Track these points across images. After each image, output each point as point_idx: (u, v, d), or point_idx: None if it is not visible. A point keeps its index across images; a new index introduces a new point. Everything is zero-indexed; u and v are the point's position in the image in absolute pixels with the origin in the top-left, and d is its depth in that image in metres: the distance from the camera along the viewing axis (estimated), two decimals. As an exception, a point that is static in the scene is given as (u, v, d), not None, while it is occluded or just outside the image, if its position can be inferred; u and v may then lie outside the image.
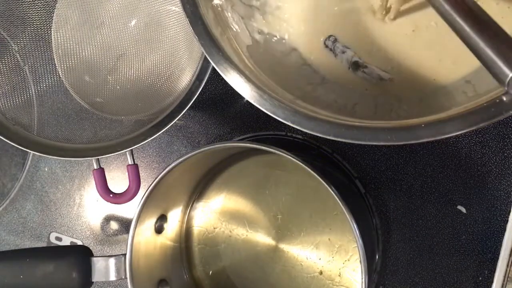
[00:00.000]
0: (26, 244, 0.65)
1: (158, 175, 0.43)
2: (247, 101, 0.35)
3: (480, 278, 0.50)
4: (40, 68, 0.52)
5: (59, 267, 0.43)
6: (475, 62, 0.39)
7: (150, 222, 0.47)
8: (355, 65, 0.42)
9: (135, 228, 0.44)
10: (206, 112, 0.58)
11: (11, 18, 0.50)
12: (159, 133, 0.47)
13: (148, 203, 0.45)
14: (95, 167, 0.50)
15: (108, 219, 0.63)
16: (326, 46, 0.43)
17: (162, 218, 0.50)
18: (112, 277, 0.44)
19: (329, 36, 0.43)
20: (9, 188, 0.65)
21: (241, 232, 0.54)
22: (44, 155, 0.49)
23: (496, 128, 0.49)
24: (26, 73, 0.52)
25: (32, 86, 0.52)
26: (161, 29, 0.51)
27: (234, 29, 0.40)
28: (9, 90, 0.51)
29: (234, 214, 0.54)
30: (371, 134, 0.32)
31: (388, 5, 0.40)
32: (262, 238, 0.53)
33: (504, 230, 0.48)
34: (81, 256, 0.44)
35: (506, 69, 0.26)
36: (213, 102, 0.57)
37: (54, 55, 0.53)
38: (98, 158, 0.50)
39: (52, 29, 0.52)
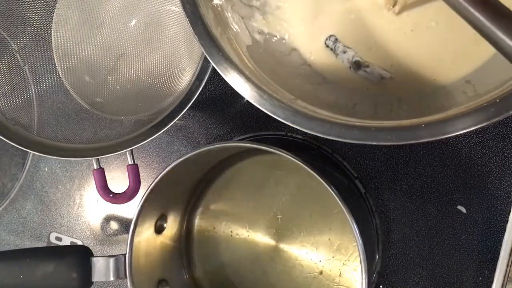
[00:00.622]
0: (26, 244, 0.65)
1: (158, 175, 0.43)
2: (247, 101, 0.35)
3: (480, 278, 0.50)
4: (40, 68, 0.52)
5: (59, 267, 0.43)
6: (475, 62, 0.39)
7: (150, 222, 0.47)
8: (357, 65, 0.42)
9: (135, 228, 0.44)
10: (206, 112, 0.58)
11: (11, 18, 0.50)
12: (159, 133, 0.47)
13: (148, 203, 0.45)
14: (95, 167, 0.50)
15: (108, 219, 0.63)
16: (327, 46, 0.43)
17: (162, 218, 0.50)
18: (112, 277, 0.44)
19: (330, 36, 0.43)
20: (9, 188, 0.65)
21: (241, 232, 0.54)
22: (44, 155, 0.49)
23: (496, 128, 0.49)
24: (26, 73, 0.52)
25: (32, 86, 0.52)
26: (161, 29, 0.51)
27: (234, 29, 0.40)
28: (9, 90, 0.51)
29: (234, 214, 0.54)
30: (371, 134, 0.32)
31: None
32: (262, 238, 0.53)
33: (504, 230, 0.48)
34: (81, 256, 0.44)
35: None
36: (213, 102, 0.57)
37: (54, 55, 0.53)
38: (98, 158, 0.50)
39: (52, 29, 0.52)
